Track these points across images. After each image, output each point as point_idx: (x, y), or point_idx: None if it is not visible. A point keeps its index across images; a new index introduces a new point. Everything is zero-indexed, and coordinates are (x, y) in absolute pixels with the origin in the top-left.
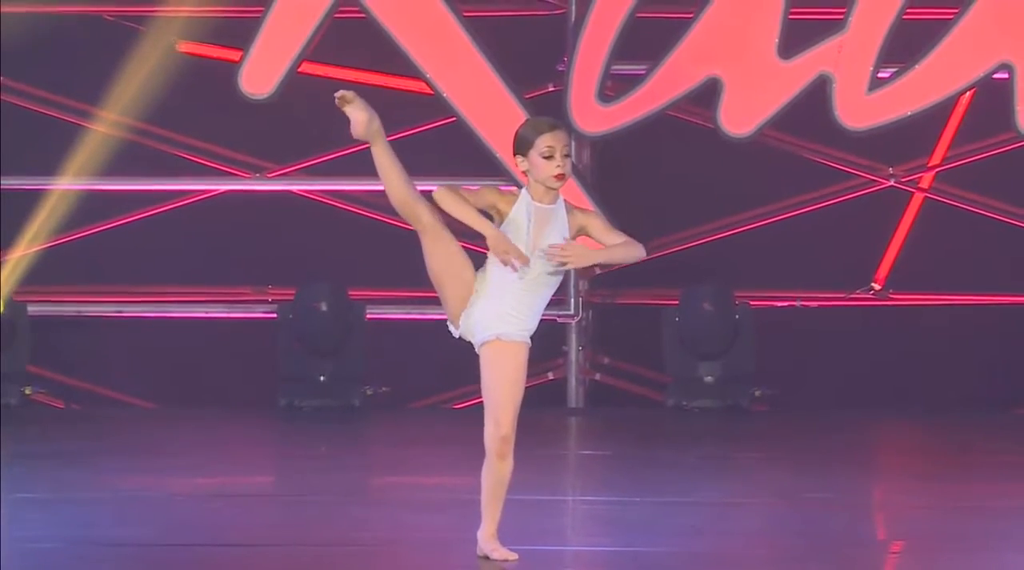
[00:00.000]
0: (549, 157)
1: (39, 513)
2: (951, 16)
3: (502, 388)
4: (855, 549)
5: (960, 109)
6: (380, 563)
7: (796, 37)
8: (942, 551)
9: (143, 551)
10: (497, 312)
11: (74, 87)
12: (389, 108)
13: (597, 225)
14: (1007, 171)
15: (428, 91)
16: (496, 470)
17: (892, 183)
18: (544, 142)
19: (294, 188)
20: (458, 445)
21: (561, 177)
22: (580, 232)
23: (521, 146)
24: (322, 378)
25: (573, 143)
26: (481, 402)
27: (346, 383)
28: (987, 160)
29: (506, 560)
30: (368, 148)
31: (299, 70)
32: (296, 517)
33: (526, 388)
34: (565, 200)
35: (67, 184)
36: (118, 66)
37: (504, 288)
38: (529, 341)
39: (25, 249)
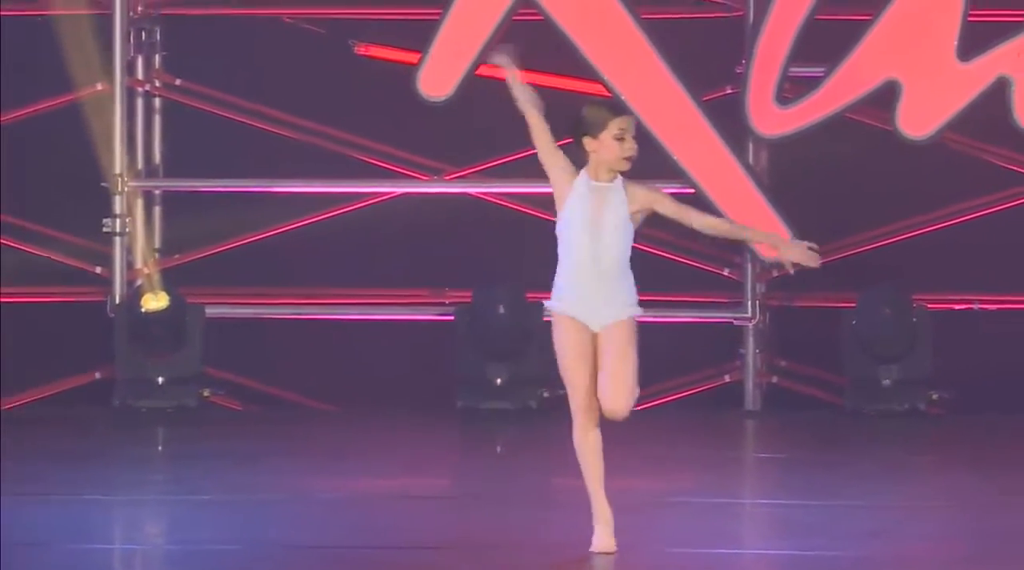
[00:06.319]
0: (621, 138)
1: (214, 515)
2: None
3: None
4: None
5: None
6: (561, 565)
7: (975, 39)
8: None
9: (318, 553)
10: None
11: (248, 89)
12: (567, 110)
13: (668, 202)
14: None
15: (606, 93)
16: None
17: None
18: (617, 125)
19: (472, 190)
20: (644, 445)
21: (631, 159)
22: (644, 209)
23: (593, 127)
24: (499, 381)
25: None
26: (661, 403)
27: (524, 385)
28: None
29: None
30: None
31: (477, 72)
32: (474, 519)
33: (703, 391)
34: (623, 178)
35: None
36: (294, 68)
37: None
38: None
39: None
